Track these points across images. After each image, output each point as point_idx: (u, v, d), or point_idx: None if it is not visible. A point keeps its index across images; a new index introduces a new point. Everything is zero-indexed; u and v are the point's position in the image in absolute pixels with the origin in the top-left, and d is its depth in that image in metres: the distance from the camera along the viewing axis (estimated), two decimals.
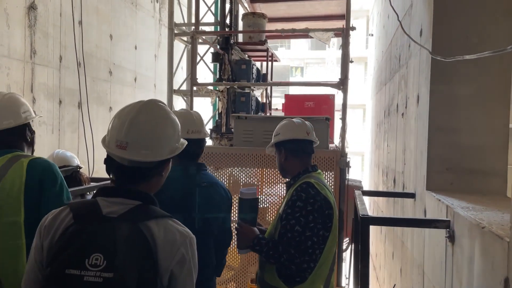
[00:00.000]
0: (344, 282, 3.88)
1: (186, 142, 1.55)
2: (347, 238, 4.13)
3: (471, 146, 2.85)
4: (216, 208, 2.33)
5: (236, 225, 2.43)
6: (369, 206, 7.57)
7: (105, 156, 1.42)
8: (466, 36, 2.81)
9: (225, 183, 3.98)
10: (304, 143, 2.45)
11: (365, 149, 11.63)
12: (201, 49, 7.21)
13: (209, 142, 5.23)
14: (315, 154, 3.57)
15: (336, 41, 26.68)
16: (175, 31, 6.59)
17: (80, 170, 3.47)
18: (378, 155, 6.77)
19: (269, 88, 6.57)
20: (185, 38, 7.16)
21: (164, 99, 6.87)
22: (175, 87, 6.78)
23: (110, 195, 1.36)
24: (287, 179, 2.52)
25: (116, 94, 6.17)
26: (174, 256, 1.30)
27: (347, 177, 3.71)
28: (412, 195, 3.28)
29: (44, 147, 4.49)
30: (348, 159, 3.76)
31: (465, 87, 2.85)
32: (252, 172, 3.94)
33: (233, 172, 3.99)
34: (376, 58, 7.91)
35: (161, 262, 1.27)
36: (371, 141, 8.41)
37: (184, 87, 7.15)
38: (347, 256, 4.01)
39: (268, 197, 3.90)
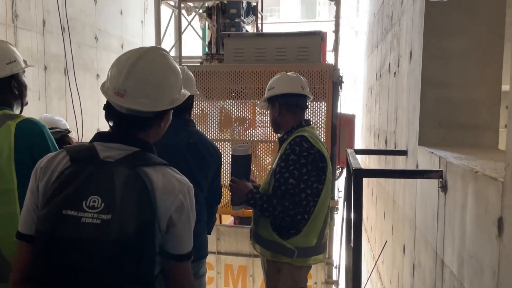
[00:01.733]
0: (337, 195, 3.91)
1: (188, 93, 1.51)
2: (339, 166, 4.07)
3: (463, 100, 2.84)
4: (205, 164, 2.29)
5: (229, 181, 2.42)
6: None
7: (105, 103, 1.38)
8: None
9: (217, 116, 3.91)
10: (299, 98, 2.41)
11: (356, 119, 11.61)
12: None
13: None
14: (307, 69, 3.55)
15: (328, 10, 26.24)
16: None
17: (70, 135, 3.42)
18: (369, 118, 6.77)
19: (259, 22, 6.41)
20: (172, 3, 6.95)
21: None
22: None
23: (108, 140, 1.34)
24: (279, 135, 2.49)
25: (103, 61, 6.03)
26: (172, 202, 1.29)
27: (340, 92, 3.63)
28: (404, 152, 3.29)
29: (31, 114, 4.34)
30: (341, 74, 3.65)
31: (458, 40, 2.81)
32: (244, 105, 3.84)
33: (225, 105, 3.90)
34: (368, 21, 7.81)
35: (159, 208, 1.26)
36: (362, 106, 8.40)
37: (172, 54, 6.99)
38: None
39: (260, 130, 3.85)
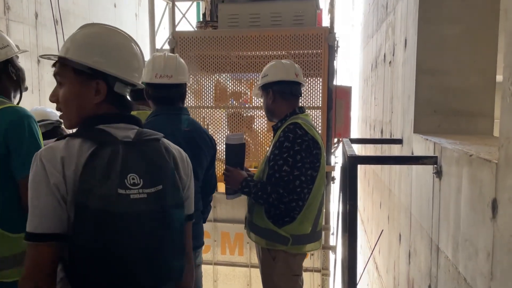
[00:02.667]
0: (333, 161, 3.87)
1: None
2: (336, 139, 3.96)
3: (458, 87, 2.83)
4: (200, 153, 2.28)
5: (224, 170, 2.40)
6: None
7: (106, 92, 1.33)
8: None
9: (212, 91, 3.83)
10: (293, 85, 2.40)
11: (352, 114, 11.56)
12: (183, 6, 6.99)
13: None
14: (302, 32, 3.50)
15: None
16: None
17: (62, 126, 3.39)
18: (365, 110, 6.76)
19: None
20: None
21: (146, 59, 6.70)
22: (158, 46, 6.57)
23: (112, 121, 1.32)
24: (274, 123, 2.48)
25: None
26: (187, 169, 1.42)
27: (336, 56, 3.55)
28: (399, 141, 3.28)
29: (24, 107, 4.37)
30: (337, 38, 3.57)
31: (453, 27, 2.80)
32: (240, 78, 3.75)
33: (220, 79, 3.81)
34: (363, 12, 7.78)
35: (182, 176, 1.38)
36: (358, 99, 8.39)
37: (166, 46, 6.94)
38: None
39: (256, 102, 3.80)
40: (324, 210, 2.50)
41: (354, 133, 8.38)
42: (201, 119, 3.76)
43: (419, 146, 2.72)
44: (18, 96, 2.03)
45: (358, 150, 6.87)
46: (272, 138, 2.45)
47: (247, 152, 3.67)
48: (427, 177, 2.47)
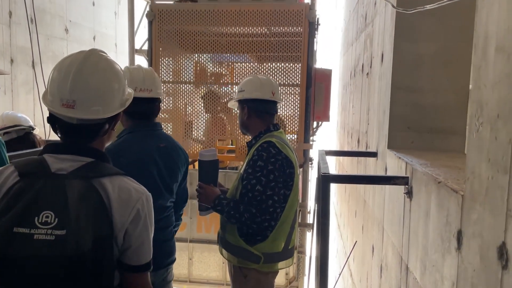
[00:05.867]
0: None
1: (133, 91, 1.49)
2: (315, 123, 3.88)
3: (432, 104, 2.87)
4: (175, 168, 2.27)
5: (197, 187, 2.38)
6: (335, 167, 7.69)
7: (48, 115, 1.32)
8: None
9: (192, 71, 3.76)
10: (269, 104, 2.38)
11: (332, 115, 11.62)
12: None
13: None
14: (282, 8, 3.46)
15: None
16: None
17: (34, 131, 3.31)
18: (344, 116, 6.81)
19: None
20: None
21: (126, 59, 6.59)
22: (137, 46, 6.47)
23: (59, 151, 1.29)
24: (249, 139, 2.46)
25: None
26: (129, 214, 1.26)
27: (316, 34, 3.52)
28: (374, 154, 3.31)
29: None
30: (317, 16, 3.53)
31: (428, 45, 2.84)
32: (220, 59, 3.68)
33: (201, 59, 3.74)
34: (344, 18, 7.82)
35: (116, 220, 1.23)
36: (338, 104, 8.45)
37: (145, 47, 6.83)
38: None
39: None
40: (297, 227, 2.50)
41: (333, 140, 8.43)
42: (180, 98, 3.73)
43: (392, 163, 2.75)
44: None
45: (335, 159, 6.92)
46: (246, 155, 2.43)
47: (224, 131, 3.66)
48: (399, 195, 2.50)
